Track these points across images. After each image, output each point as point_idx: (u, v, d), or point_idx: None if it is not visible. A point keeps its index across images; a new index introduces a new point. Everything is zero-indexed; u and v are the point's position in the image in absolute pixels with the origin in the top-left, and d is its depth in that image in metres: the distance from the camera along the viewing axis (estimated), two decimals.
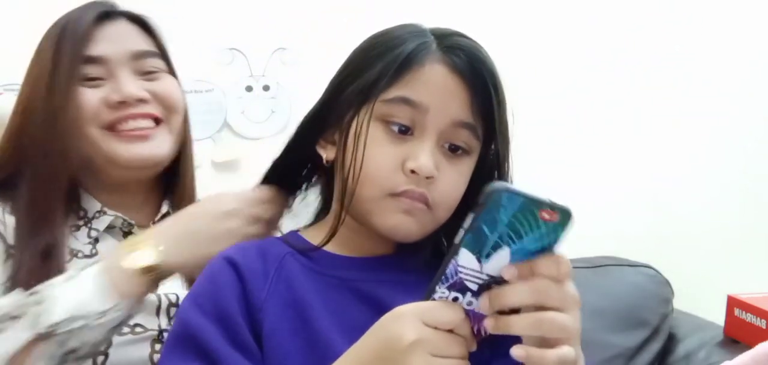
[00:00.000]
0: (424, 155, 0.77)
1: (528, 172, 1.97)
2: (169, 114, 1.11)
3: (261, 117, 1.79)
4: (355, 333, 0.71)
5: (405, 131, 0.78)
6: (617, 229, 1.95)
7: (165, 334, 1.00)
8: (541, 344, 0.65)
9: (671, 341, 1.72)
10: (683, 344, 1.68)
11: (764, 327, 1.49)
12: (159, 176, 1.14)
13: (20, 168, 1.04)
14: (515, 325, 0.64)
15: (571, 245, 1.99)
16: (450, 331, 0.64)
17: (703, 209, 2.01)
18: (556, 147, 1.95)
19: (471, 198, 0.82)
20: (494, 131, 0.84)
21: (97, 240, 1.07)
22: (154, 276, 0.89)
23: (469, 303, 0.66)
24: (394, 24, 0.86)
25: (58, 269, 0.96)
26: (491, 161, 0.86)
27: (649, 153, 2.00)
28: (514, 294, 0.64)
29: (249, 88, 1.79)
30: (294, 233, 0.88)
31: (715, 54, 2.01)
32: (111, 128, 1.05)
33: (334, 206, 0.85)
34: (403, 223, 0.79)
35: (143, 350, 1.00)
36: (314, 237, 0.85)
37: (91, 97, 1.04)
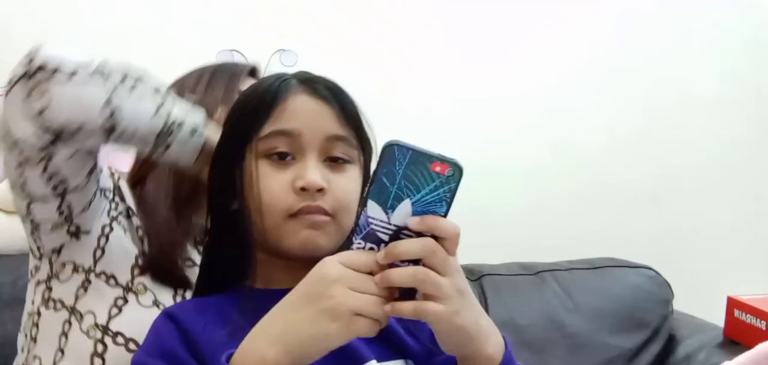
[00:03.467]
0: (309, 171, 0.85)
1: (528, 172, 1.99)
2: None
3: None
4: None
5: (285, 157, 0.87)
6: (617, 230, 1.95)
7: None
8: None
9: (671, 342, 1.72)
10: (683, 345, 1.68)
11: (764, 328, 1.49)
12: None
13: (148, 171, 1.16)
14: (396, 276, 0.71)
15: (571, 246, 2.00)
16: (370, 274, 0.72)
17: (703, 210, 2.02)
18: (556, 148, 1.96)
19: None
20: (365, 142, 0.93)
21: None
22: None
23: None
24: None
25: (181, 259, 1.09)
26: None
27: (649, 154, 2.00)
28: (404, 247, 0.71)
29: None
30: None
31: (716, 54, 2.02)
32: None
33: (250, 249, 0.91)
34: (310, 237, 0.85)
35: (154, 317, 1.01)
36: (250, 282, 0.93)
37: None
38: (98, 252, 1.04)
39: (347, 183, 0.88)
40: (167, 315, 0.87)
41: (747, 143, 2.04)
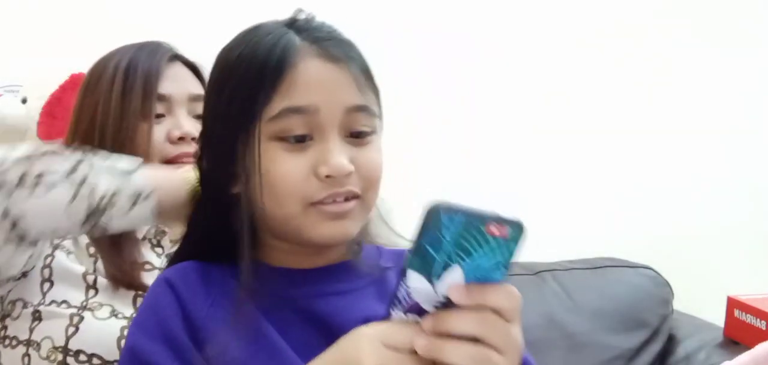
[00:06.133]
0: (333, 155, 0.73)
1: (528, 172, 1.98)
2: None
3: None
4: (303, 354, 0.70)
5: (303, 139, 0.74)
6: (617, 230, 1.95)
7: None
8: None
9: (671, 342, 1.72)
10: (683, 345, 1.68)
11: (764, 328, 1.49)
12: None
13: None
14: (450, 353, 0.60)
15: (571, 246, 1.99)
16: (413, 352, 0.62)
17: (702, 209, 2.01)
18: (556, 147, 1.96)
19: None
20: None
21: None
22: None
23: None
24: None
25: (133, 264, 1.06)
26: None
27: (649, 154, 2.00)
28: (458, 322, 0.61)
29: None
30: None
31: (715, 54, 2.02)
32: (169, 162, 1.12)
33: (256, 231, 0.79)
34: (337, 229, 0.75)
35: (114, 328, 1.01)
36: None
37: (158, 132, 1.12)
38: (46, 285, 1.02)
39: (373, 156, 0.77)
40: (167, 281, 0.76)
41: (747, 141, 2.04)
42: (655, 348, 1.70)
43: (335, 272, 0.80)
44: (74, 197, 0.83)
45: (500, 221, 0.60)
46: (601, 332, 1.68)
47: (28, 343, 1.00)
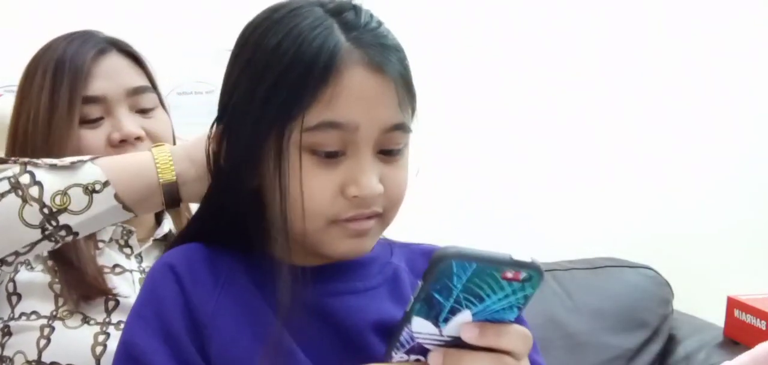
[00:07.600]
0: (364, 176, 0.69)
1: (529, 172, 1.98)
2: None
3: None
4: (313, 354, 0.70)
5: (335, 155, 0.70)
6: (617, 230, 1.95)
7: (110, 328, 1.00)
8: None
9: (671, 342, 1.72)
10: (683, 345, 1.68)
11: (764, 328, 1.49)
12: None
13: None
14: None
15: (571, 246, 1.98)
16: None
17: (703, 209, 2.01)
18: (557, 148, 1.96)
19: None
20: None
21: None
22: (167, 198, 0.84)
23: None
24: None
25: (98, 277, 1.00)
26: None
27: (649, 154, 2.00)
28: (471, 361, 0.59)
29: None
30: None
31: (715, 54, 2.02)
32: None
33: (274, 235, 0.74)
34: (356, 246, 0.73)
35: (86, 335, 0.99)
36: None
37: (93, 139, 1.04)
38: (14, 298, 0.99)
39: (401, 175, 0.73)
40: (171, 268, 0.71)
41: (747, 142, 2.04)
42: (655, 348, 1.70)
43: (347, 270, 0.77)
44: (24, 202, 0.78)
45: (516, 266, 0.56)
46: (601, 332, 1.68)
47: (1, 360, 0.97)
